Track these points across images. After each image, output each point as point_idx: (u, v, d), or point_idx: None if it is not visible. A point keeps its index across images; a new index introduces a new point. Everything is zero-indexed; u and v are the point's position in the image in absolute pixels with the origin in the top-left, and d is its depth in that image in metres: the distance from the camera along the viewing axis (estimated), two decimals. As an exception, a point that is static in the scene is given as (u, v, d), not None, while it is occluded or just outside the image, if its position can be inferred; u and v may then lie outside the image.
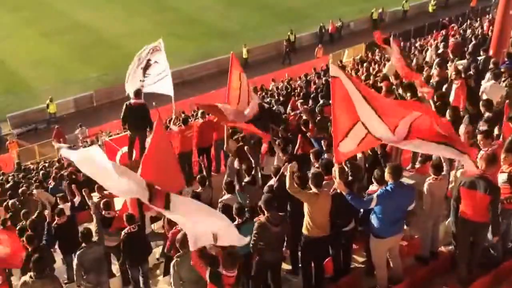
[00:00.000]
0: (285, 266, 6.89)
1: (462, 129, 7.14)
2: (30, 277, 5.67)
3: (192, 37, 29.53)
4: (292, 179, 5.79)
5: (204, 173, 9.58)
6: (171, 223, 6.47)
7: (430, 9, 32.64)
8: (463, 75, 9.57)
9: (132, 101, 9.28)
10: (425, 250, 6.34)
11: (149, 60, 10.79)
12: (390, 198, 5.41)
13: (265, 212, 5.71)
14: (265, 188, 6.83)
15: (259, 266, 5.92)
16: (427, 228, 6.25)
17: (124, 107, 9.29)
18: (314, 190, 5.74)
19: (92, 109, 23.71)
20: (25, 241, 6.87)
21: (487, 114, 7.60)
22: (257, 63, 27.14)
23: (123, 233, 6.89)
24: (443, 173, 6.05)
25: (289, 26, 29.03)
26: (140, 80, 10.77)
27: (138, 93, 9.37)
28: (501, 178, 5.69)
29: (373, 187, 5.98)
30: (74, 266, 6.57)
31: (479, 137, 6.36)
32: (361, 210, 5.91)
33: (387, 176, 5.48)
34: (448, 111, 7.60)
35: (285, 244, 6.12)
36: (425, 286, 5.93)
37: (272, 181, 6.90)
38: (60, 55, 27.83)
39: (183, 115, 10.97)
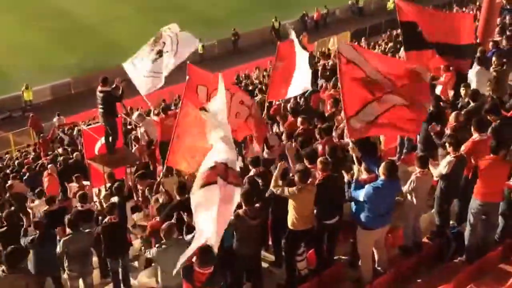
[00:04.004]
0: (269, 257, 6.80)
1: (452, 115, 7.10)
2: (3, 271, 5.42)
3: (176, 24, 28.92)
4: (279, 179, 5.72)
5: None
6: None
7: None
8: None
9: (99, 88, 9.36)
10: (408, 241, 6.30)
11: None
12: (379, 195, 5.35)
13: (243, 205, 5.57)
14: (245, 180, 6.67)
15: (235, 259, 5.81)
16: (409, 219, 6.20)
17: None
18: (298, 185, 5.60)
19: (69, 97, 23.16)
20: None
21: (471, 104, 7.55)
22: (242, 50, 26.95)
23: (103, 223, 6.73)
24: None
25: (275, 13, 28.76)
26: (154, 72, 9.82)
27: (104, 80, 9.33)
28: None
29: (363, 175, 5.89)
30: (58, 252, 6.43)
31: (473, 123, 6.32)
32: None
33: (381, 171, 5.37)
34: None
35: None
36: (409, 277, 5.89)
37: (252, 172, 6.77)
38: (39, 41, 27.10)
39: (163, 103, 10.68)
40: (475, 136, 6.18)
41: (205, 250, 4.47)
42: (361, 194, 5.39)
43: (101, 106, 9.38)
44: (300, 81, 8.72)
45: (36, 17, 29.68)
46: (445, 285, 5.16)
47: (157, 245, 5.46)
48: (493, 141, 5.74)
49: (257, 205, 5.69)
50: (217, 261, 4.59)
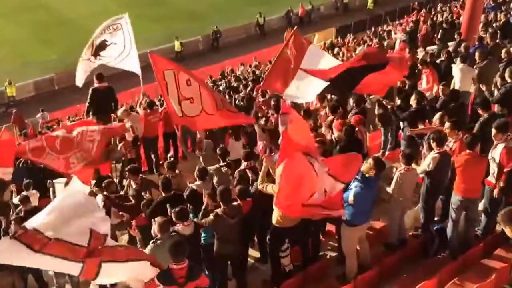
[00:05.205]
0: (254, 253, 6.78)
1: (437, 115, 7.05)
2: (-13, 270, 5.36)
3: (160, 19, 28.81)
4: (265, 175, 5.64)
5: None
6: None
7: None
8: (429, 60, 9.61)
9: (96, 85, 9.02)
10: (393, 238, 6.32)
11: (104, 40, 9.56)
12: (367, 191, 5.35)
13: (221, 204, 5.54)
14: (236, 173, 6.65)
15: (216, 258, 5.79)
16: (395, 216, 6.21)
17: (90, 92, 9.09)
18: None
19: (53, 93, 22.82)
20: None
21: (451, 105, 7.58)
22: (227, 46, 26.80)
23: None
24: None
25: (259, 8, 28.65)
26: (90, 61, 9.69)
27: (100, 76, 9.06)
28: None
29: None
30: None
31: (446, 125, 6.32)
32: None
33: (369, 169, 5.31)
34: (414, 95, 7.58)
35: None
36: (393, 273, 5.90)
37: (243, 166, 6.76)
38: (22, 36, 26.65)
39: (148, 99, 10.53)
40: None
41: (176, 244, 4.42)
42: (350, 196, 5.34)
43: (97, 103, 9.05)
44: (302, 91, 7.34)
45: (18, 11, 29.17)
46: (428, 281, 5.19)
47: (152, 241, 5.32)
48: (468, 136, 5.72)
49: (234, 203, 5.63)
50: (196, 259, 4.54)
